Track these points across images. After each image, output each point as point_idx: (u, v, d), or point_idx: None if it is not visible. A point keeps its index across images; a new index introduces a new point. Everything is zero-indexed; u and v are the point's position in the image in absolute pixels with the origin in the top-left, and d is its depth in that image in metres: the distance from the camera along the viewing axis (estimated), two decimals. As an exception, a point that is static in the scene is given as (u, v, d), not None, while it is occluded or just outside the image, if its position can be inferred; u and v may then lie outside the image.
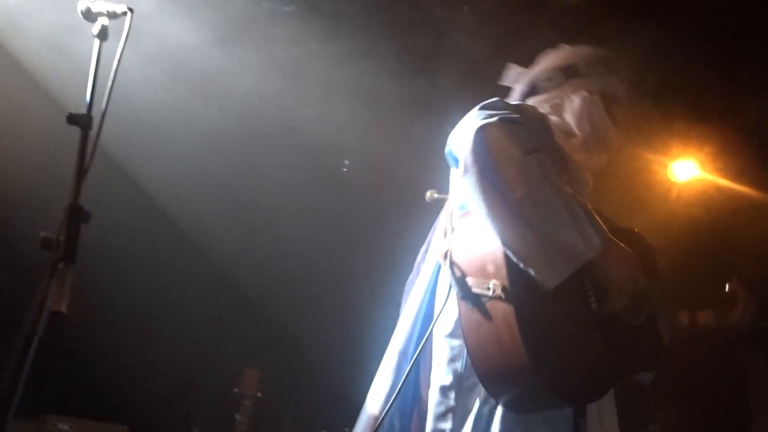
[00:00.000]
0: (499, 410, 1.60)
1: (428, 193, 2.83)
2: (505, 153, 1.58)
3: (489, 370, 1.57)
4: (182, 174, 4.29)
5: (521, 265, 1.53)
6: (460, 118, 1.74)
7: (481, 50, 3.63)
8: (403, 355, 1.81)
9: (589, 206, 1.65)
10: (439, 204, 2.80)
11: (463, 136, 1.65)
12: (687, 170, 4.43)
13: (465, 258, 1.64)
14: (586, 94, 1.91)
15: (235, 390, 3.92)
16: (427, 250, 2.00)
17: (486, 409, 1.61)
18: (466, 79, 3.77)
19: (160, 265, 4.27)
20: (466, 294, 1.59)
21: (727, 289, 2.15)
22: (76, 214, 1.45)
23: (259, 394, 3.91)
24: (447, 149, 1.75)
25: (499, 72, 2.09)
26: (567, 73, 1.94)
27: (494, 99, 1.72)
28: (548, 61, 2.00)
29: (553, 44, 2.04)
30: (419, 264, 1.99)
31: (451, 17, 3.69)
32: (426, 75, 3.84)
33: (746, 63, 3.64)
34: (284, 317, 4.60)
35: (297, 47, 3.82)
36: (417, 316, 1.83)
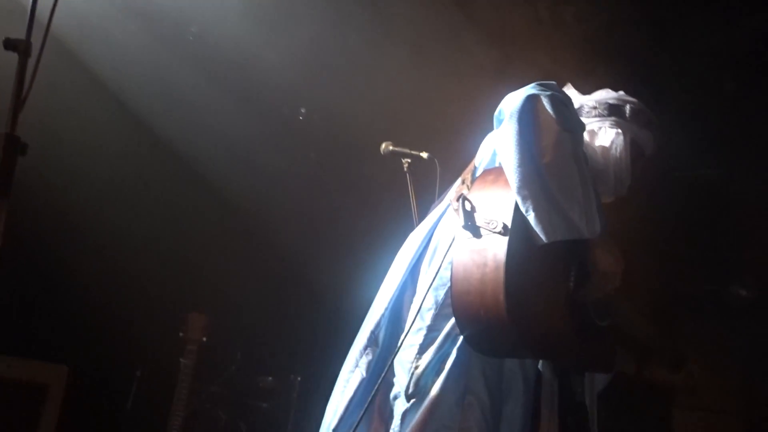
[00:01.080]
0: (460, 339, 1.79)
1: (383, 145, 2.81)
2: (547, 121, 1.74)
3: (464, 296, 1.70)
4: (124, 118, 4.11)
5: (525, 214, 1.68)
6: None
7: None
8: (397, 285, 2.00)
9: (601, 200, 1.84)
10: (394, 157, 2.78)
11: (515, 98, 1.80)
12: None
13: (478, 198, 1.79)
14: (620, 132, 2.07)
15: (181, 334, 3.90)
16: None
17: (453, 334, 1.81)
18: (426, 28, 3.71)
19: (105, 201, 4.12)
20: (469, 225, 1.73)
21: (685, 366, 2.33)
22: (13, 146, 1.38)
23: (204, 339, 3.90)
24: (497, 111, 1.88)
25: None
26: (612, 110, 2.10)
27: (551, 82, 1.86)
28: (601, 94, 2.16)
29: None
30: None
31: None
32: (389, 23, 3.75)
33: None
34: (232, 263, 4.55)
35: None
36: (417, 250, 2.01)
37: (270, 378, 4.39)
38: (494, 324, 1.65)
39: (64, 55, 3.74)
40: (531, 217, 1.67)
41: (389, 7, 3.73)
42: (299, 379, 4.34)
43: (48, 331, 4.00)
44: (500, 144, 1.79)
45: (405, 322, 1.92)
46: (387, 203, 3.49)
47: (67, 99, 3.81)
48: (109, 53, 3.87)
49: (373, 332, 1.96)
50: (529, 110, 1.75)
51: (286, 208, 4.61)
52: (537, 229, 1.67)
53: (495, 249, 1.67)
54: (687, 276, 4.66)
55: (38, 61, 1.47)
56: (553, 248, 1.71)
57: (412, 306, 1.92)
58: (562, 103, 1.80)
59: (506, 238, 1.66)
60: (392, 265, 2.06)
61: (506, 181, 1.74)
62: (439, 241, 1.97)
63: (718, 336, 4.49)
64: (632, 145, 2.09)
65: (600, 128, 2.09)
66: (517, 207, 1.70)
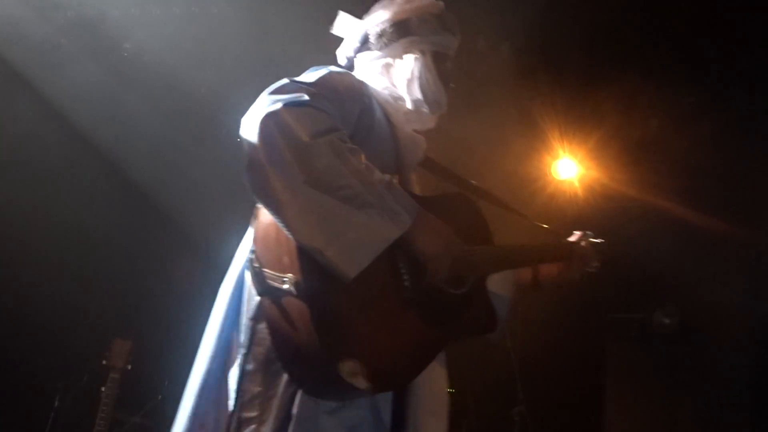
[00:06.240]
0: (300, 393, 1.56)
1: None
2: (290, 139, 1.48)
3: (292, 362, 1.53)
4: (45, 129, 3.94)
5: (316, 257, 1.45)
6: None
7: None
8: (215, 347, 1.74)
9: (394, 180, 1.60)
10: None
11: (248, 128, 1.52)
12: (569, 169, 4.67)
13: (262, 248, 1.56)
14: (418, 54, 1.86)
15: (104, 362, 3.73)
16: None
17: (288, 393, 1.57)
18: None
19: (24, 225, 3.92)
20: (264, 288, 1.52)
21: (564, 241, 2.23)
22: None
23: (129, 367, 3.74)
24: (240, 137, 1.60)
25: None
26: (399, 30, 1.86)
27: (285, 82, 1.61)
28: (381, 13, 1.90)
29: None
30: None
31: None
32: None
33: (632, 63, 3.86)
34: (160, 287, 4.40)
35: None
36: (228, 305, 1.74)
37: (198, 407, 4.23)
38: (333, 380, 1.47)
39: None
40: (323, 260, 1.44)
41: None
42: (229, 408, 4.20)
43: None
44: (254, 191, 1.52)
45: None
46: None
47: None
48: (34, 65, 3.74)
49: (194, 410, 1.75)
50: (266, 136, 1.48)
51: (220, 230, 4.49)
52: (338, 269, 1.44)
53: (298, 313, 1.45)
54: (615, 304, 4.84)
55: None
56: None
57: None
58: (305, 105, 1.54)
59: (303, 300, 1.44)
60: (209, 321, 1.79)
61: None
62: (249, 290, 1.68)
63: (644, 361, 4.67)
64: (434, 57, 1.87)
65: (395, 59, 1.86)
66: (302, 250, 1.46)
